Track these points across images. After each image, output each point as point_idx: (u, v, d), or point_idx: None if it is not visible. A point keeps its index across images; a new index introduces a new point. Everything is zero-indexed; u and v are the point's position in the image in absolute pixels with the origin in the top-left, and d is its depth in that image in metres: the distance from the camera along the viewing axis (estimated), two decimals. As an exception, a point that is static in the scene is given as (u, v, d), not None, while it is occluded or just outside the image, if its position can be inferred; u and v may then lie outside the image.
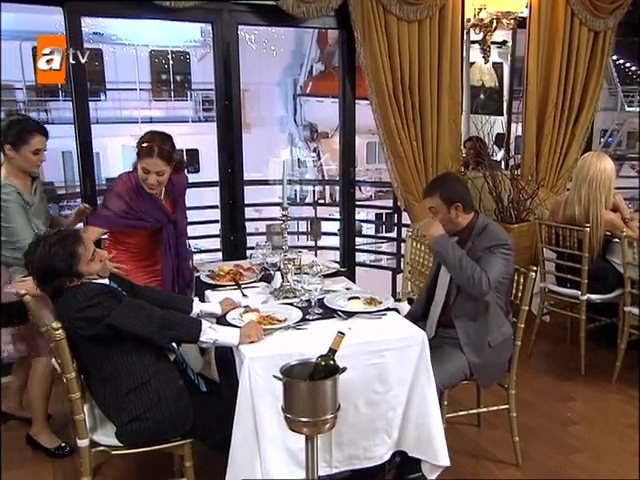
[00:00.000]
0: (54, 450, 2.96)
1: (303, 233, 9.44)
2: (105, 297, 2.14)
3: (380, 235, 12.36)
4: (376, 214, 12.92)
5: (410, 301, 3.32)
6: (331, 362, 1.91)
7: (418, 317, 2.85)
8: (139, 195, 2.85)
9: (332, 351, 1.92)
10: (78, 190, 4.09)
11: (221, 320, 2.48)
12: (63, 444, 2.98)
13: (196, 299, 2.63)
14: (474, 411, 2.99)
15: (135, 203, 2.84)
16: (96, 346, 2.16)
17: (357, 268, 4.99)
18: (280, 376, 1.86)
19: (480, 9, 4.45)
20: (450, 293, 2.76)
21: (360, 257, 6.12)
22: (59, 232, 2.27)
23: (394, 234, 5.79)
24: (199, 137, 17.25)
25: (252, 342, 2.25)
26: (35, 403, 2.98)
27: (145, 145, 2.76)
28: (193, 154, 18.33)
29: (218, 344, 2.29)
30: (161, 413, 2.19)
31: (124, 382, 2.19)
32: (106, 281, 2.28)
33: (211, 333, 2.24)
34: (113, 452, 2.24)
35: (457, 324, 2.69)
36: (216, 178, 4.34)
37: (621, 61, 16.90)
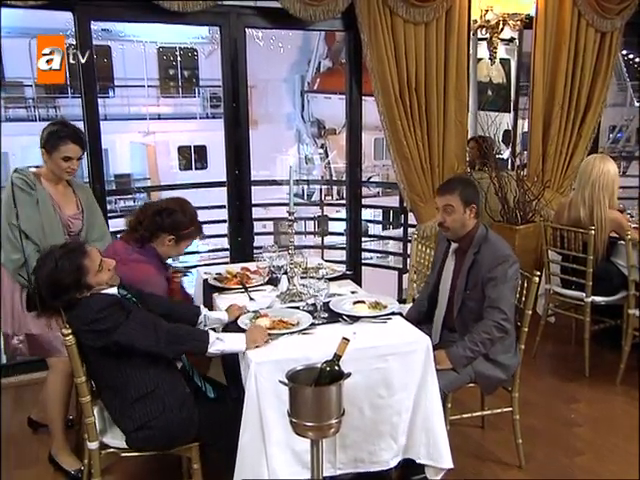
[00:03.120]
0: (75, 473, 2.79)
1: (310, 233, 9.45)
2: (114, 309, 2.16)
3: (386, 235, 12.35)
4: (383, 211, 12.91)
5: (416, 303, 3.34)
6: (336, 368, 1.93)
7: (415, 320, 2.79)
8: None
9: (337, 357, 1.95)
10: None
11: (232, 326, 2.50)
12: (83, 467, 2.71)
13: (204, 309, 2.64)
14: (478, 413, 3.00)
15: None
16: (107, 358, 2.19)
17: (363, 268, 5.01)
18: (286, 381, 1.89)
19: (486, 10, 4.43)
20: (453, 304, 2.79)
21: (366, 255, 6.12)
22: (64, 245, 2.27)
23: (400, 231, 5.79)
24: (207, 134, 17.29)
25: (257, 347, 2.28)
26: (52, 412, 2.82)
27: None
28: (201, 150, 18.42)
29: (226, 353, 2.32)
30: (166, 421, 2.22)
31: (130, 392, 2.21)
32: (115, 290, 2.28)
33: (219, 344, 2.27)
34: (122, 454, 2.28)
35: (460, 337, 2.72)
36: (224, 175, 4.35)
37: (631, 56, 16.71)
